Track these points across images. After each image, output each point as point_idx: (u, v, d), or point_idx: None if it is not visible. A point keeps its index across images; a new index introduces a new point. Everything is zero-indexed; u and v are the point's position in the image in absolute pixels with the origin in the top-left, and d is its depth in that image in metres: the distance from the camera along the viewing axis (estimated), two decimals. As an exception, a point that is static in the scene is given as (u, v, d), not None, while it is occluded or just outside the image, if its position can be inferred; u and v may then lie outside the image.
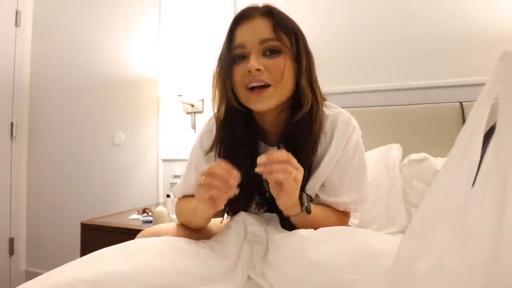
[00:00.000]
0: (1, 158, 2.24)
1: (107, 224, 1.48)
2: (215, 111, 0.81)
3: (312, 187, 0.79)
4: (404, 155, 1.37)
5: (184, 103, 1.93)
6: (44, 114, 2.35)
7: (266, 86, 0.71)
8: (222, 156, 0.81)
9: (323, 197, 0.81)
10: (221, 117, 0.79)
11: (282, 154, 0.64)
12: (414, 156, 1.32)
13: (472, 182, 0.38)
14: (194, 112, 1.94)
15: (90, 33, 2.24)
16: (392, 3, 1.62)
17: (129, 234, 1.20)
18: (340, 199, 0.81)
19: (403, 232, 1.16)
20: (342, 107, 0.87)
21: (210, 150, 0.83)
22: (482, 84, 0.38)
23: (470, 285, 0.35)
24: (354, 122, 0.84)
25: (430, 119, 1.44)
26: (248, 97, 0.73)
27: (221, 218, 0.87)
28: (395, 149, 1.37)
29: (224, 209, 0.83)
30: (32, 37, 2.39)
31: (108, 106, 2.17)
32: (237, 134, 0.78)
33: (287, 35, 0.73)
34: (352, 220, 1.06)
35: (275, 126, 0.80)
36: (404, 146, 1.39)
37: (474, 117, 0.39)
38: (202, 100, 1.93)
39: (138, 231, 0.91)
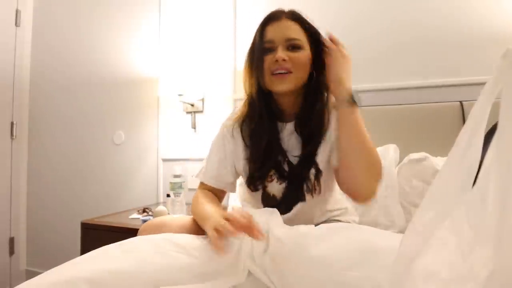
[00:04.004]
0: (1, 158, 2.24)
1: (108, 224, 1.48)
2: (247, 91, 0.94)
3: (323, 157, 0.89)
4: (404, 155, 1.37)
5: (184, 102, 1.93)
6: (44, 114, 2.35)
7: (288, 72, 0.86)
8: (247, 128, 0.94)
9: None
10: (253, 95, 0.92)
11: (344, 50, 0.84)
12: (414, 156, 1.32)
13: (472, 182, 0.38)
14: (194, 112, 1.94)
15: (90, 33, 2.24)
16: (392, 4, 1.62)
17: (129, 233, 1.19)
18: None
19: (402, 232, 1.16)
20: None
21: (236, 120, 0.97)
22: (483, 84, 0.38)
23: (471, 284, 0.35)
24: None
25: (430, 119, 1.44)
26: (272, 80, 0.87)
27: None
28: (391, 150, 1.37)
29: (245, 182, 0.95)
30: (32, 37, 2.39)
31: (108, 106, 2.17)
32: (261, 110, 0.92)
33: (307, 36, 0.89)
34: (353, 218, 1.07)
35: (291, 108, 0.94)
36: (404, 146, 1.39)
37: (474, 116, 0.38)
38: (202, 100, 1.93)
39: (138, 230, 0.90)
